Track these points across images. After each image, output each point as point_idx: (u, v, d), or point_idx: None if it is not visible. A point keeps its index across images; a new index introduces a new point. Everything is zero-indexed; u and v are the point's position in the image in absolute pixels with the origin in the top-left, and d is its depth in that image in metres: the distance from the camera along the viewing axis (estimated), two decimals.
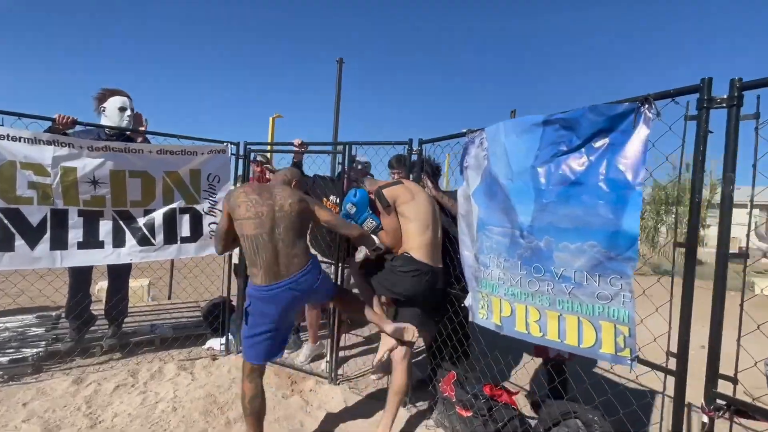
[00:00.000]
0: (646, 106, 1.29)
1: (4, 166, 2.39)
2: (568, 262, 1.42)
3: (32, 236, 2.50)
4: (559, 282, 1.45)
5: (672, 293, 1.23)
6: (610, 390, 1.81)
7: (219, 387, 2.67)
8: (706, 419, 1.13)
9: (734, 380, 1.11)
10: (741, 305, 1.10)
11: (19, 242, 2.46)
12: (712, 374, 1.16)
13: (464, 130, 2.14)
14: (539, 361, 3.52)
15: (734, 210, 1.16)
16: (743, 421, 1.17)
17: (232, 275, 3.50)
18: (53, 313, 3.39)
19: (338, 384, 2.82)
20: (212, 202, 3.08)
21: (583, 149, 1.42)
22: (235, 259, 3.73)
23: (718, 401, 1.15)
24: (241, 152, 3.22)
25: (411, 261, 2.10)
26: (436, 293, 2.27)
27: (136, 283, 4.42)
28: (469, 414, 2.15)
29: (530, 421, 2.27)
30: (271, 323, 1.88)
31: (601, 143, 1.38)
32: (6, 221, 2.42)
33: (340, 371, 2.92)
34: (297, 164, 3.10)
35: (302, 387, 2.77)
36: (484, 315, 1.74)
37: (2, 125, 2.41)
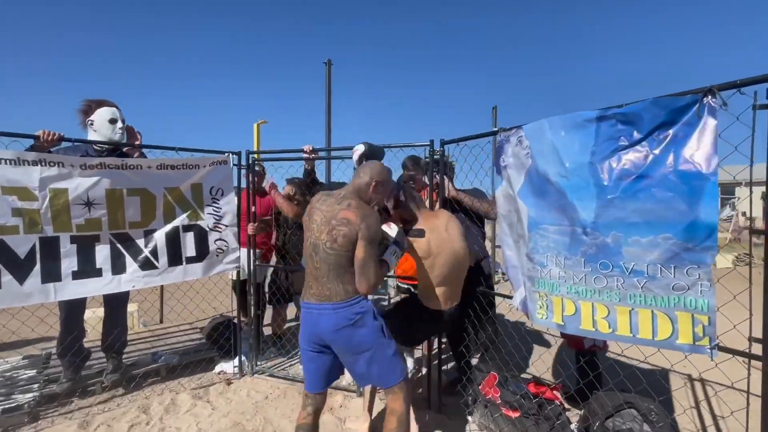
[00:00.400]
0: (710, 97, 1.31)
1: None
2: (639, 256, 1.42)
3: (20, 270, 2.23)
4: (630, 276, 1.45)
5: (751, 280, 1.26)
6: (646, 380, 1.86)
7: (243, 414, 2.51)
8: None
9: None
10: None
11: (6, 278, 2.19)
12: None
13: (495, 129, 2.12)
14: (553, 352, 3.60)
15: None
16: None
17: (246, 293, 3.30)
18: (42, 352, 3.05)
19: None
20: (217, 218, 2.88)
21: (645, 143, 1.43)
22: (230, 276, 3.54)
23: None
24: (243, 162, 3.04)
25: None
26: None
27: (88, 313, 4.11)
28: (518, 415, 2.13)
29: (574, 414, 2.29)
30: (305, 347, 1.79)
31: (664, 136, 1.39)
32: None
33: None
34: (309, 171, 2.97)
35: (331, 404, 2.65)
36: (543, 315, 1.72)
37: None
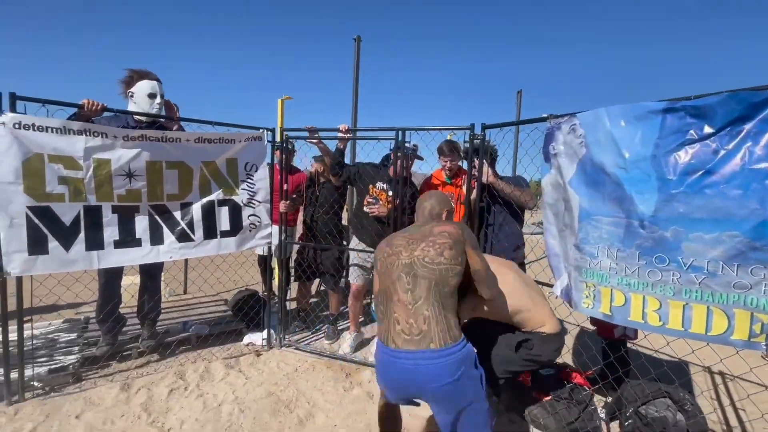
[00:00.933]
0: None
1: (31, 159, 2.14)
2: (700, 252, 1.42)
3: (66, 237, 2.27)
4: (687, 272, 1.45)
5: None
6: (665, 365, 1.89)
7: (276, 384, 2.59)
8: None
9: None
10: None
11: (53, 243, 2.23)
12: None
13: (545, 116, 2.08)
14: (573, 335, 3.65)
15: None
16: None
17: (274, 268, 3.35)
18: (81, 317, 3.15)
19: None
20: (251, 193, 2.89)
21: (716, 137, 1.40)
22: (259, 251, 3.60)
23: None
24: (276, 139, 3.02)
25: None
26: None
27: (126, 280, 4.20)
28: (549, 398, 2.19)
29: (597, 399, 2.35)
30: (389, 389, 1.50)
31: (738, 131, 1.37)
32: (37, 221, 2.18)
33: None
34: (340, 151, 2.95)
35: (359, 378, 2.73)
36: (589, 305, 1.74)
37: (25, 113, 2.13)
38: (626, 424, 2.00)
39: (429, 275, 1.41)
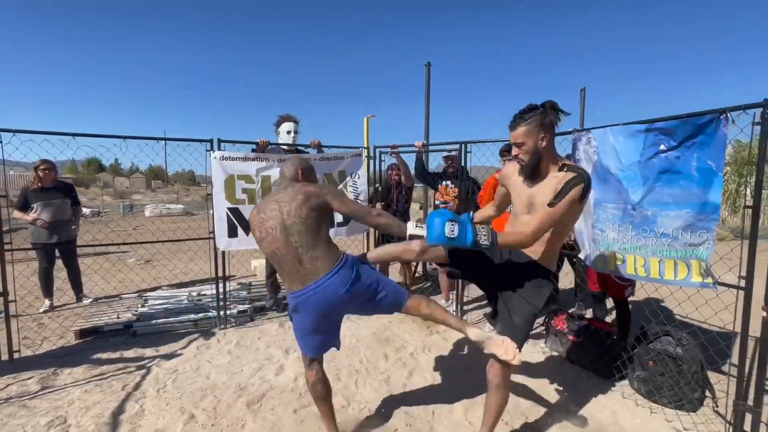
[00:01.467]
0: (723, 116, 1.95)
1: (228, 178, 3.44)
2: (668, 224, 2.13)
3: (246, 227, 3.56)
4: (660, 238, 2.17)
5: (742, 240, 1.92)
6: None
7: (378, 329, 3.66)
8: (765, 314, 1.84)
9: None
10: None
11: (240, 231, 3.53)
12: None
13: (570, 130, 2.84)
14: None
15: None
16: None
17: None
18: (246, 282, 4.57)
19: None
20: (355, 194, 4.01)
21: (678, 148, 2.10)
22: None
23: None
24: (372, 153, 4.10)
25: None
26: None
27: (256, 262, 5.63)
28: (581, 340, 2.95)
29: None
30: (311, 326, 1.82)
31: (691, 143, 2.06)
32: (231, 216, 3.49)
33: (464, 318, 3.81)
34: (421, 160, 3.93)
35: (437, 329, 3.69)
36: (602, 265, 2.50)
37: (224, 150, 3.45)
38: (644, 357, 2.68)
39: (301, 228, 1.74)
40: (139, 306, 3.92)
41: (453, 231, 1.54)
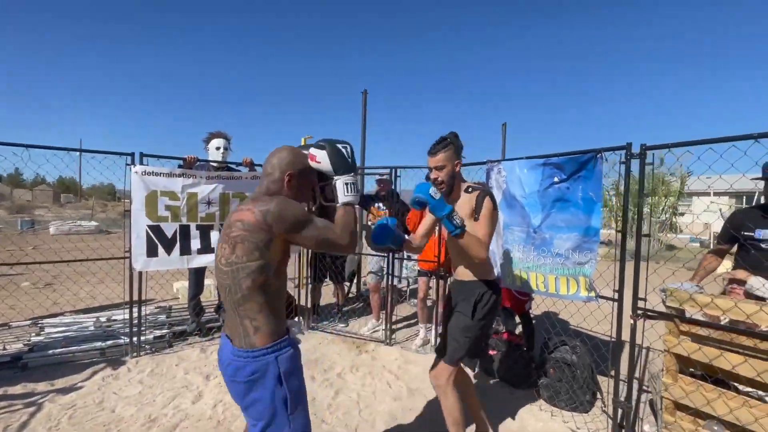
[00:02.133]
0: (599, 155, 2.35)
1: (150, 194, 3.27)
2: (561, 246, 2.46)
3: (168, 246, 3.38)
4: (555, 257, 2.50)
5: (618, 258, 2.28)
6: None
7: (307, 350, 3.62)
8: (632, 321, 2.19)
9: (644, 300, 2.17)
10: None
11: (161, 250, 3.34)
12: (635, 299, 2.21)
13: (485, 160, 3.17)
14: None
15: (700, 198, 2.17)
16: (650, 321, 2.22)
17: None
18: (165, 305, 4.24)
19: (392, 345, 3.81)
20: None
21: (568, 180, 2.47)
22: None
23: (639, 311, 2.21)
24: None
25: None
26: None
27: (179, 284, 5.31)
28: (495, 353, 3.19)
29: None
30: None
31: (577, 176, 2.43)
32: (152, 234, 3.29)
33: (393, 336, 3.92)
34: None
35: (366, 348, 3.75)
36: (510, 281, 2.78)
37: (147, 165, 3.28)
38: (546, 365, 2.99)
39: (223, 280, 1.24)
40: (33, 335, 3.47)
41: (436, 194, 1.68)
